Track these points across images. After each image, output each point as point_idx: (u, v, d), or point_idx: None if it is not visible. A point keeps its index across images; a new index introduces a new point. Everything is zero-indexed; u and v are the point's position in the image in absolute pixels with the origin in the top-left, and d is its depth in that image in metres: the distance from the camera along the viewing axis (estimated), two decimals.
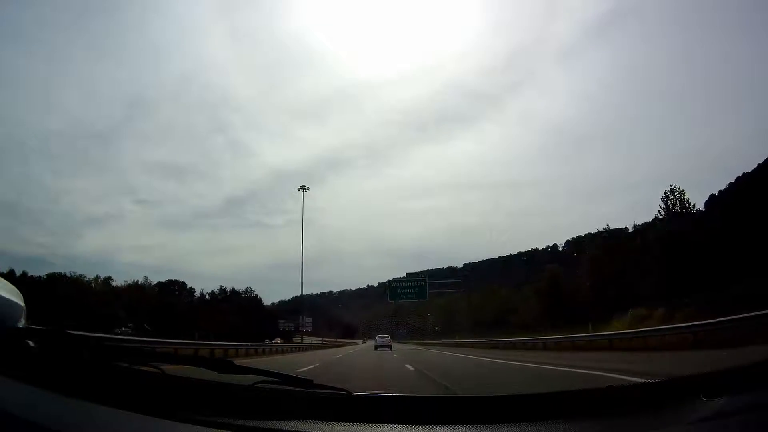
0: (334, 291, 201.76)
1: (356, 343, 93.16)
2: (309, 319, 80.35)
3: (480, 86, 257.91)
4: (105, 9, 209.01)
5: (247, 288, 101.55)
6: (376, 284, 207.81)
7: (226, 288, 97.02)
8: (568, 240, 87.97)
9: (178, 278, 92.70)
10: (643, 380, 1.87)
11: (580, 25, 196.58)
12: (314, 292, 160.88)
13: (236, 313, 77.74)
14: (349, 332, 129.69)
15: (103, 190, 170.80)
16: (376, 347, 42.75)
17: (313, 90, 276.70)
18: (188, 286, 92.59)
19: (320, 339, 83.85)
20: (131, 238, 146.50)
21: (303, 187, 60.02)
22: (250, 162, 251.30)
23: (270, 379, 1.61)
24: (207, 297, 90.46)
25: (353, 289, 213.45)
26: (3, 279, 1.81)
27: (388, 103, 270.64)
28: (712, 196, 45.86)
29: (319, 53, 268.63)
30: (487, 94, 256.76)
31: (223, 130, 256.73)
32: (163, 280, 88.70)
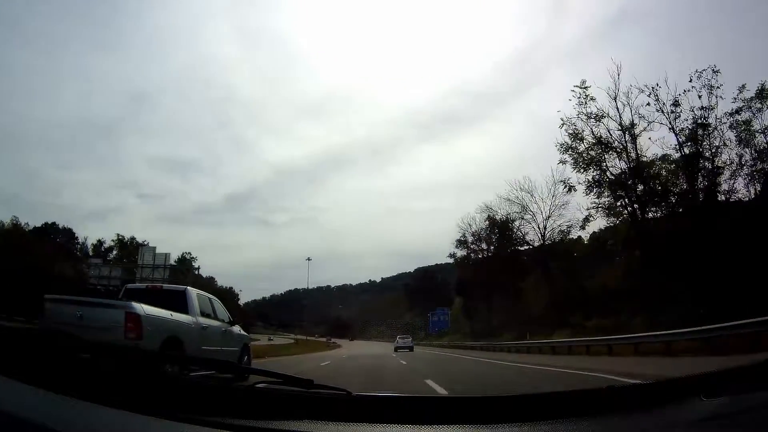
0: (332, 285, 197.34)
1: (338, 348, 59.85)
2: (195, 268, 52.67)
3: (485, 87, 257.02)
4: (108, 1, 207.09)
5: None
6: (378, 279, 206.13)
7: (123, 237, 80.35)
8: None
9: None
10: (643, 380, 1.87)
11: (587, 27, 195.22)
12: (311, 287, 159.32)
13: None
14: (341, 330, 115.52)
15: (105, 184, 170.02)
16: (396, 349, 43.69)
17: (316, 88, 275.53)
18: (76, 236, 76.00)
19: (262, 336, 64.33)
20: (133, 232, 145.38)
21: None
22: (252, 159, 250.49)
23: (270, 379, 1.61)
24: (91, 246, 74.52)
25: (353, 284, 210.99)
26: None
27: (393, 103, 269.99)
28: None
29: (323, 51, 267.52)
30: (493, 94, 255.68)
31: (226, 127, 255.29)
32: (39, 224, 69.54)
